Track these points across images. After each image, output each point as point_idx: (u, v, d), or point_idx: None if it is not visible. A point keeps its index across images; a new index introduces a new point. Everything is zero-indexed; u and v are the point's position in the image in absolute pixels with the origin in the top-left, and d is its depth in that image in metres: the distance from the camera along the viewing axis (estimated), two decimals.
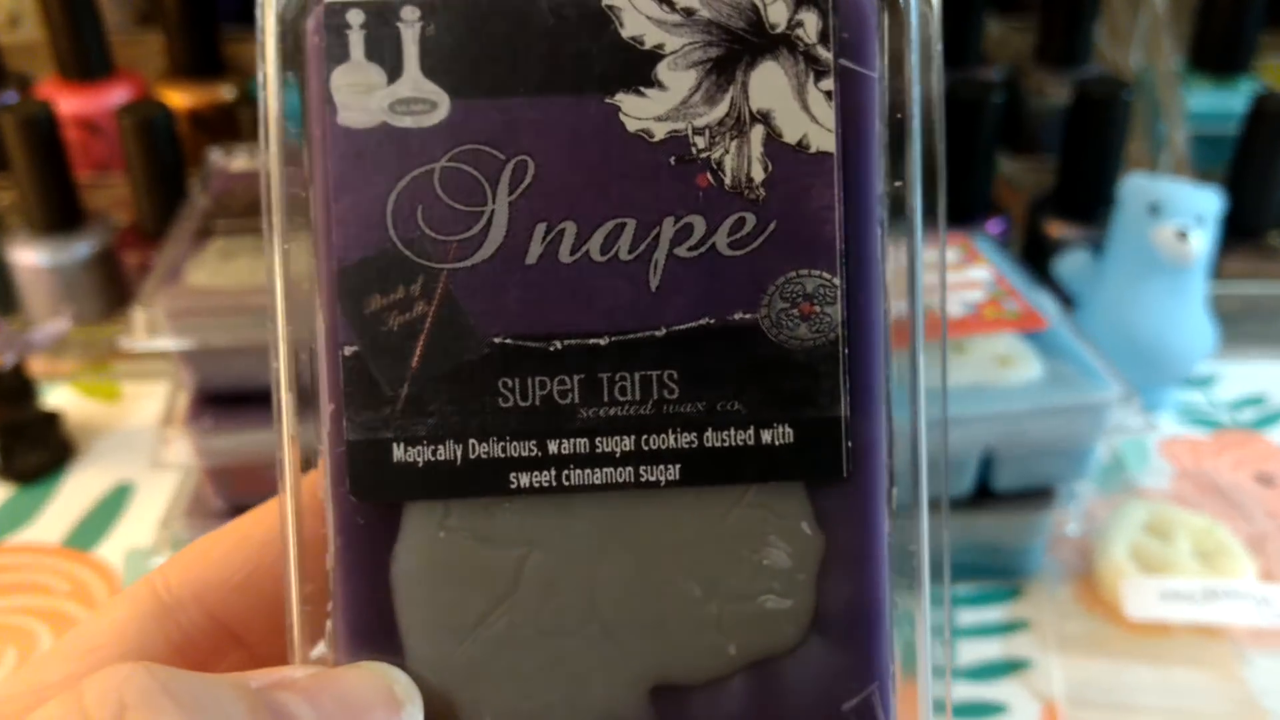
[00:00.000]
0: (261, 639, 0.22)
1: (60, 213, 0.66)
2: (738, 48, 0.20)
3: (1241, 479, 0.60)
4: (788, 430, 0.20)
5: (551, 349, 0.20)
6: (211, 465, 0.51)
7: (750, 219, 0.20)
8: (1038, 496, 0.52)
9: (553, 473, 0.20)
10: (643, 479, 0.20)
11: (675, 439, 0.20)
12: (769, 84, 0.20)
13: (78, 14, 0.72)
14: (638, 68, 0.20)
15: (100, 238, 0.68)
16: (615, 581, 0.20)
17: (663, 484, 0.20)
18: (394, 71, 0.20)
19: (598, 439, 0.20)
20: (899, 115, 0.20)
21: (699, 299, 0.20)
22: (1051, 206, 0.70)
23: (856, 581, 0.20)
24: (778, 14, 0.20)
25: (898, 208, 0.21)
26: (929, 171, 0.21)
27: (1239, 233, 0.68)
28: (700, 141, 0.20)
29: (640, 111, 0.20)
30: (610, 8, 0.20)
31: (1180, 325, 0.60)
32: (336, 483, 0.20)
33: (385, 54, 0.20)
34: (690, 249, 0.20)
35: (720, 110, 0.20)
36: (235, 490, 0.52)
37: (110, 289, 0.69)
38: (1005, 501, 0.52)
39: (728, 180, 0.20)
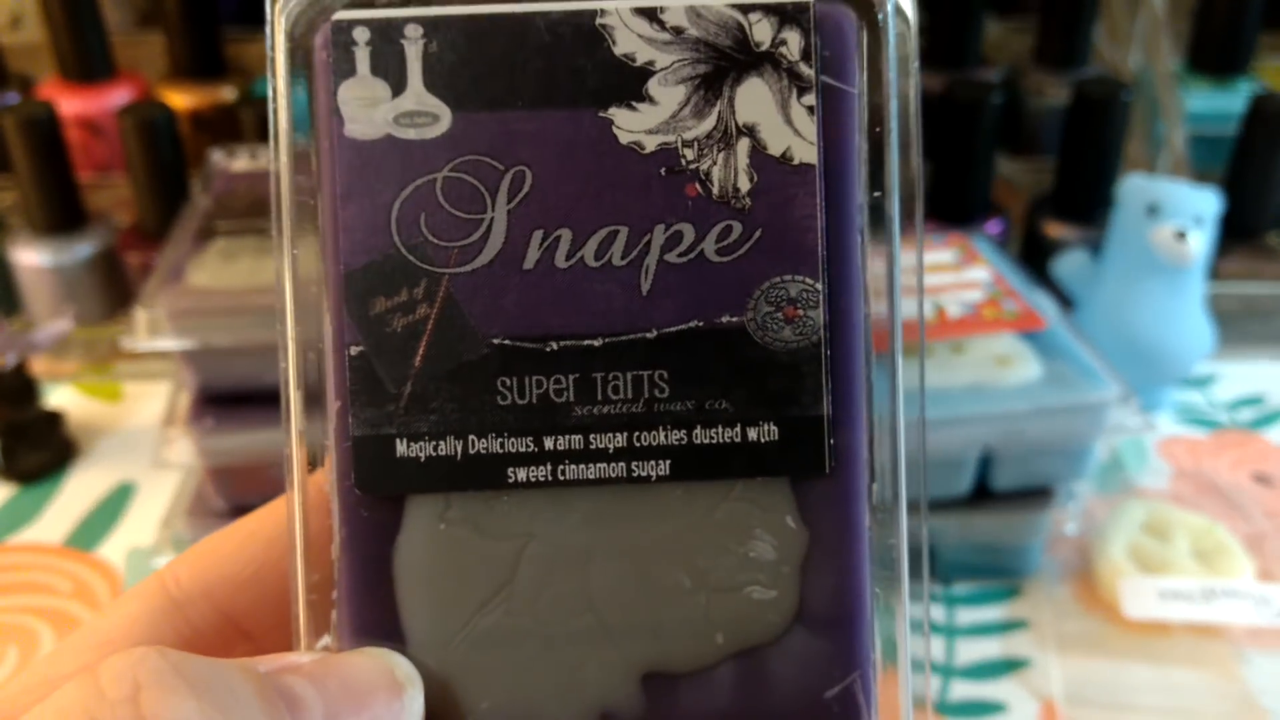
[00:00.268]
0: (268, 633, 0.22)
1: (62, 213, 0.66)
2: (725, 65, 0.20)
3: (1240, 479, 0.60)
4: (773, 428, 0.21)
5: (548, 350, 0.21)
6: (213, 465, 0.51)
7: (737, 227, 0.21)
8: (1036, 496, 0.52)
9: (549, 468, 0.21)
10: (634, 474, 0.21)
11: (665, 436, 0.21)
12: (754, 99, 0.20)
13: (79, 15, 0.72)
14: (630, 83, 0.20)
15: (102, 238, 0.67)
16: (608, 572, 0.21)
17: (653, 479, 0.21)
18: (398, 86, 0.20)
19: (592, 436, 0.21)
20: (878, 129, 0.21)
21: (688, 303, 0.21)
22: (1050, 207, 0.70)
23: (838, 573, 0.21)
24: (762, 33, 0.20)
25: (877, 216, 0.21)
26: (906, 182, 0.21)
27: (1237, 233, 0.68)
28: (689, 153, 0.21)
29: (632, 125, 0.20)
30: (604, 27, 0.20)
31: (1179, 325, 0.60)
32: (342, 476, 0.21)
33: (390, 69, 0.20)
34: (680, 255, 0.21)
35: (708, 124, 0.21)
36: (236, 490, 0.52)
37: (112, 289, 0.68)
38: (1004, 501, 0.52)
39: (715, 190, 0.21)
